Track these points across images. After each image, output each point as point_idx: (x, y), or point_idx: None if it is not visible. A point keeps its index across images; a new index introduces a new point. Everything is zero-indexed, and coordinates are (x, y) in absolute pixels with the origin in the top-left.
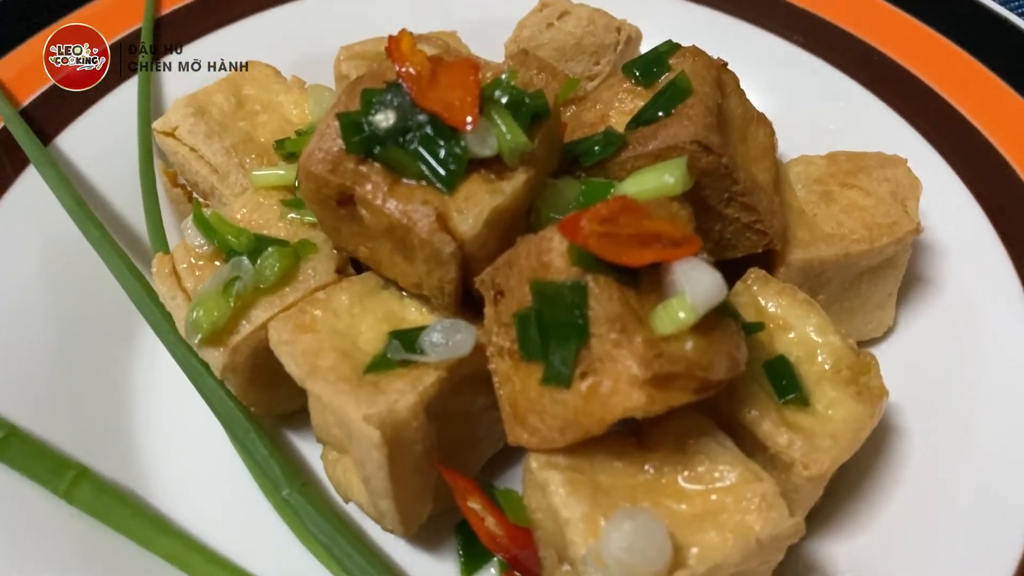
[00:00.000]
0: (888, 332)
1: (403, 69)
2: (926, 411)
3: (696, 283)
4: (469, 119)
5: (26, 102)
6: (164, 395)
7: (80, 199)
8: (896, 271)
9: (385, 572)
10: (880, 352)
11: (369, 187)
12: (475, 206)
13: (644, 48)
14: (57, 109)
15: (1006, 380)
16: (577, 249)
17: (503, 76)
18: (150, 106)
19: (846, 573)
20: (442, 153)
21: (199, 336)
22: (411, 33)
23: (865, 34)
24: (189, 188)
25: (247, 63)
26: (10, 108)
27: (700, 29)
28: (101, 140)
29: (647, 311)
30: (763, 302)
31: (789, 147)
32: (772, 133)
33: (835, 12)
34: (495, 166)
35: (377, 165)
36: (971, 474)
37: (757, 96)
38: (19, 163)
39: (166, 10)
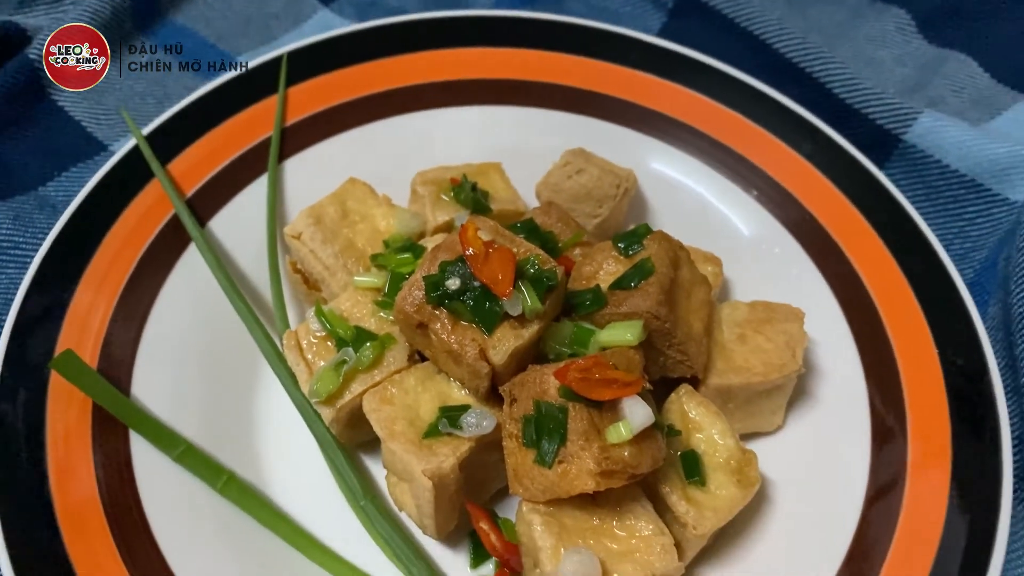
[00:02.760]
0: (778, 429)
1: (468, 252)
2: (794, 486)
3: (635, 415)
4: (508, 291)
5: (189, 193)
6: (279, 423)
7: (228, 274)
8: (784, 392)
9: (422, 561)
10: (769, 443)
11: (439, 325)
12: (504, 345)
13: (641, 179)
14: (209, 200)
15: (852, 467)
16: (564, 387)
17: (531, 257)
18: (276, 204)
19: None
20: (486, 309)
21: (317, 399)
22: (473, 221)
23: (805, 198)
24: (305, 275)
25: (351, 179)
26: (179, 198)
27: (681, 172)
28: (239, 226)
29: (604, 425)
30: (686, 409)
31: (731, 272)
32: (709, 290)
33: (783, 176)
34: (519, 318)
35: (444, 311)
36: (816, 529)
37: (716, 233)
38: (184, 241)
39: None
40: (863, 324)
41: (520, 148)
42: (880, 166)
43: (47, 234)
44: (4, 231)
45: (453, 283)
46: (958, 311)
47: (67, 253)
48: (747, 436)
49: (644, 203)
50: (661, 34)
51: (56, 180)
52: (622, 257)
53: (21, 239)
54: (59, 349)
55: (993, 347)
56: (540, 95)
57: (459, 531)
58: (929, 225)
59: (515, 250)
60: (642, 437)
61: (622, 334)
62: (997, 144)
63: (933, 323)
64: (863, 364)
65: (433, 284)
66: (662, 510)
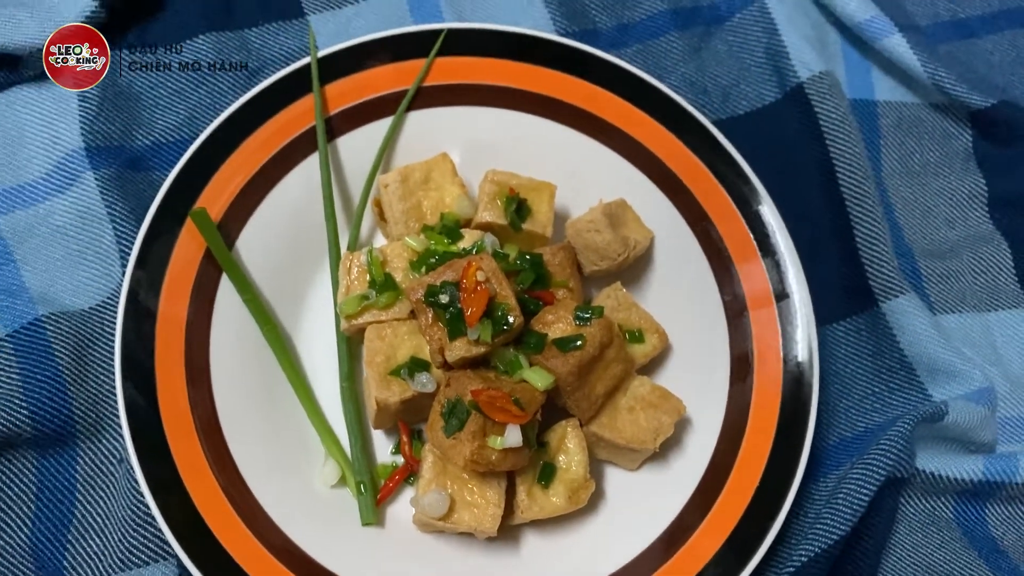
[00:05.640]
0: (633, 470)
1: (463, 281)
2: (617, 508)
3: (509, 437)
4: (473, 324)
5: (332, 112)
6: (323, 305)
7: (331, 188)
8: (642, 455)
9: (360, 433)
10: (621, 475)
11: (423, 317)
12: (457, 352)
13: (660, 239)
14: (343, 122)
15: (658, 518)
16: (474, 401)
17: (504, 303)
18: (386, 150)
19: (566, 557)
20: (455, 325)
21: (340, 314)
22: (479, 260)
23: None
24: (381, 210)
25: (443, 154)
26: (321, 114)
27: (690, 252)
28: (356, 152)
29: (490, 432)
30: (566, 434)
31: (680, 336)
32: (628, 369)
33: (750, 308)
34: (476, 340)
35: (432, 310)
36: (605, 544)
37: (685, 306)
38: (313, 148)
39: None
40: (729, 439)
41: (582, 175)
42: (848, 314)
43: (240, 76)
44: (208, 57)
45: (444, 298)
46: (791, 467)
47: (235, 126)
48: (611, 463)
49: (651, 261)
50: (765, 110)
51: (258, 28)
52: (574, 323)
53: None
54: (199, 202)
55: (816, 494)
56: (616, 139)
57: (392, 430)
58: (855, 381)
59: (500, 291)
60: (511, 449)
61: (536, 379)
62: (944, 350)
63: (773, 456)
64: (712, 457)
65: (431, 291)
66: (510, 491)
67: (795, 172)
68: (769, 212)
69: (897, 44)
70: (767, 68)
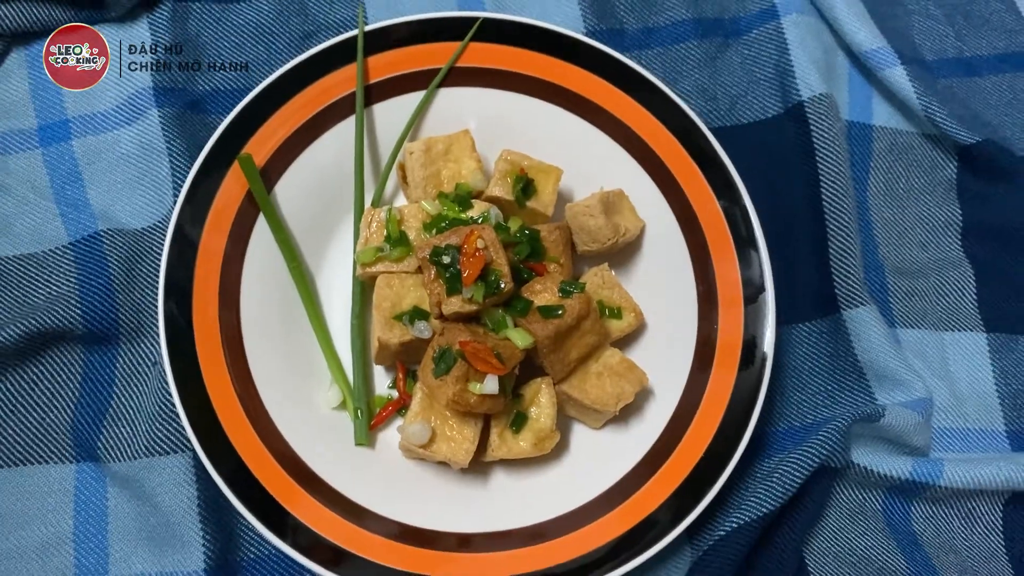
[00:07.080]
0: (597, 429)
1: (464, 246)
2: (578, 461)
3: (487, 385)
4: (468, 284)
5: (371, 81)
6: (342, 249)
7: (362, 149)
8: (604, 416)
9: (363, 367)
10: (585, 432)
11: (427, 273)
12: (451, 307)
13: (651, 228)
14: (381, 91)
15: (609, 472)
16: (461, 351)
17: (498, 270)
18: (415, 120)
19: (528, 495)
20: (452, 284)
21: (356, 261)
22: (481, 230)
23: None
24: (404, 173)
25: (465, 130)
26: (362, 82)
27: (676, 252)
28: (388, 119)
29: (472, 379)
30: (540, 390)
31: (656, 314)
32: (602, 340)
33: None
34: (469, 298)
35: (435, 267)
36: (585, 477)
37: (666, 291)
38: (350, 111)
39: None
40: (684, 413)
41: (589, 164)
42: (813, 317)
43: (295, 38)
44: (267, 17)
45: (446, 258)
46: (733, 445)
47: (285, 84)
48: (578, 420)
49: (640, 248)
50: (766, 122)
51: None
52: (558, 294)
53: (276, 28)
54: (246, 148)
55: (757, 472)
56: (622, 134)
57: (394, 365)
58: (811, 378)
59: (495, 259)
60: (488, 395)
61: (517, 338)
62: (893, 360)
63: (719, 434)
64: (666, 426)
65: (436, 251)
66: (484, 432)
67: (785, 182)
68: (751, 220)
69: (898, 76)
70: (774, 84)
